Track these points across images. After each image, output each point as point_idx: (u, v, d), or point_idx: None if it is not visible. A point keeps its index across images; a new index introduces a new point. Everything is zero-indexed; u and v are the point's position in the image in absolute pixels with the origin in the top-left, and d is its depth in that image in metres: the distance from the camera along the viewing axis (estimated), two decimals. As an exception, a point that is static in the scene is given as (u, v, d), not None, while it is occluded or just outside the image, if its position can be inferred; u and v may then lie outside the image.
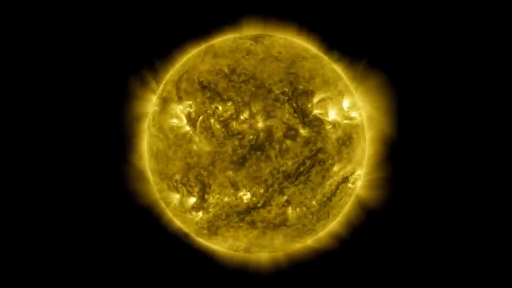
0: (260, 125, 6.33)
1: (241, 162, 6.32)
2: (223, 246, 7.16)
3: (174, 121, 6.56)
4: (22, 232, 7.36)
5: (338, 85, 6.88)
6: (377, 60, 7.01)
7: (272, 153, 6.32)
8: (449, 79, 6.95)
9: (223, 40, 7.17)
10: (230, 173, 6.35)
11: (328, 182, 6.70)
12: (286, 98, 6.41)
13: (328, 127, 6.56)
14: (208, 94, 6.47)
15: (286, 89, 6.44)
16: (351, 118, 6.86)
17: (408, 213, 7.29)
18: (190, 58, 7.07)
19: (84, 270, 7.48)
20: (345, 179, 6.90)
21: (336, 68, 7.15)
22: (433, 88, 6.99)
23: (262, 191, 6.43)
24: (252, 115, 6.33)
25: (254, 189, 6.41)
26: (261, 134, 6.30)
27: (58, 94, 7.43)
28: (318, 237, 7.38)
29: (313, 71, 6.76)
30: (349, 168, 6.87)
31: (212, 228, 6.85)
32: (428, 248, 7.32)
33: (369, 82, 7.05)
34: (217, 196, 6.50)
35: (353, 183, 7.06)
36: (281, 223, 6.75)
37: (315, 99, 6.57)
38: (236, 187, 6.41)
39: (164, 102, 6.78)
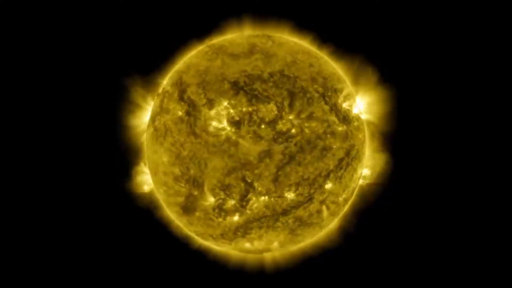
0: (303, 124, 6.32)
1: (288, 162, 6.25)
2: (241, 248, 6.99)
3: (213, 123, 6.22)
4: (23, 234, 7.26)
5: (348, 82, 7.16)
6: (375, 57, 7.23)
7: (317, 151, 6.36)
8: (446, 75, 7.29)
9: (227, 40, 7.01)
10: (278, 173, 6.23)
11: (354, 178, 6.94)
12: (321, 96, 6.51)
13: (355, 123, 6.81)
14: (244, 95, 6.27)
15: (318, 87, 6.53)
16: (365, 113, 7.17)
17: (405, 210, 7.47)
18: (200, 61, 6.76)
19: (90, 273, 7.37)
20: (360, 175, 7.20)
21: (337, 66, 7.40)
22: (430, 84, 7.31)
23: (306, 189, 6.43)
24: (296, 115, 6.29)
25: (300, 188, 6.37)
26: (306, 133, 6.30)
27: (60, 96, 7.19)
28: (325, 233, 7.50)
29: (329, 69, 6.95)
30: (364, 164, 7.19)
31: (241, 230, 6.64)
32: (426, 245, 7.48)
33: (366, 78, 7.31)
34: (261, 197, 6.32)
35: (363, 179, 7.39)
36: (313, 221, 6.80)
37: (341, 96, 6.76)
38: (282, 187, 6.31)
39: (191, 105, 6.39)
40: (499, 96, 7.22)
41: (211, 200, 6.44)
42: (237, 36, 7.05)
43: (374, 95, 7.18)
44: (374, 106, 7.20)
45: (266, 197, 6.34)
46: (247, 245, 6.87)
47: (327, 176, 6.49)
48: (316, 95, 6.46)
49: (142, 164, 7.26)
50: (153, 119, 6.81)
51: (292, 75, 6.45)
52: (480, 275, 7.34)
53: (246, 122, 6.17)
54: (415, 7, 7.11)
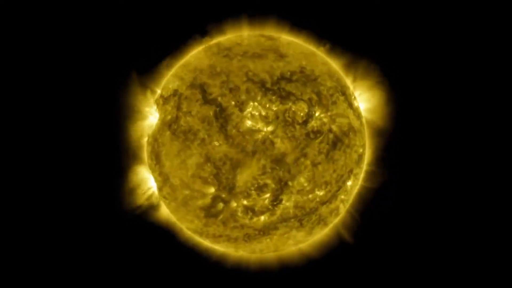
0: (331, 121, 6.46)
1: (322, 161, 6.36)
2: (253, 250, 6.96)
3: (247, 124, 6.16)
4: (20, 236, 7.12)
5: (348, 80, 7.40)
6: (373, 56, 7.23)
7: (344, 148, 6.55)
8: (445, 74, 7.34)
9: (230, 40, 6.97)
10: (313, 172, 6.32)
11: (360, 176, 7.23)
12: (340, 93, 6.71)
13: (363, 119, 7.11)
14: (273, 94, 6.30)
15: (336, 84, 6.70)
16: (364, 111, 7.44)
17: (404, 209, 7.49)
18: (213, 62, 6.63)
19: (89, 277, 7.28)
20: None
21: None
22: (429, 83, 7.36)
23: (335, 188, 6.58)
24: (324, 112, 6.44)
25: (329, 186, 6.51)
26: (334, 130, 6.47)
27: (57, 97, 7.00)
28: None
29: (334, 67, 7.13)
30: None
31: (265, 231, 6.62)
32: (426, 243, 7.48)
33: (363, 76, 7.27)
34: (294, 197, 6.36)
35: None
36: (331, 220, 6.97)
37: (352, 93, 7.02)
38: (314, 186, 6.40)
39: (219, 107, 6.27)
40: (498, 94, 7.33)
41: (242, 201, 6.34)
42: (238, 36, 7.02)
43: (371, 92, 7.33)
44: (371, 104, 7.42)
45: (299, 196, 6.38)
46: (264, 245, 6.84)
47: (350, 172, 6.71)
48: (336, 93, 6.64)
49: (142, 167, 6.99)
50: (168, 123, 6.54)
51: (312, 73, 6.55)
52: (480, 273, 7.40)
53: (279, 121, 6.19)
54: (415, 7, 7.28)
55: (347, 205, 7.04)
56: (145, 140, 7.01)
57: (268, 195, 6.26)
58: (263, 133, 6.12)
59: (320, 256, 7.54)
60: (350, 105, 6.72)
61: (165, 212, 7.12)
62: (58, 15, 6.86)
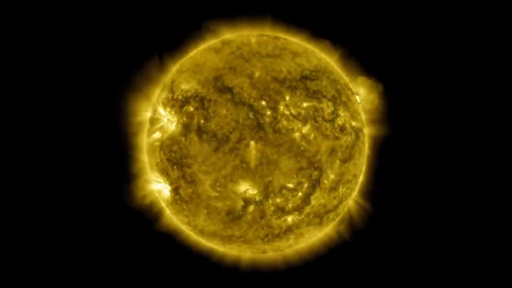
0: (352, 118, 6.65)
1: (349, 158, 6.64)
2: (264, 250, 7.02)
3: (281, 123, 6.26)
4: (18, 236, 7.07)
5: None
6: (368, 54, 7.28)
7: (361, 145, 6.90)
8: (441, 75, 7.41)
9: (237, 41, 7.01)
10: (342, 169, 6.58)
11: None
12: (350, 90, 6.88)
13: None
14: (300, 93, 6.42)
15: (345, 82, 6.88)
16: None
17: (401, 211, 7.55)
18: (231, 64, 6.57)
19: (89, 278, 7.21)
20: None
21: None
22: (426, 83, 7.45)
23: (353, 184, 6.91)
24: (345, 110, 6.74)
25: (349, 184, 6.82)
26: (355, 127, 6.80)
27: (59, 98, 6.91)
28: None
29: (335, 65, 7.46)
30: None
31: (287, 232, 6.76)
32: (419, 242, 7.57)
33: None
34: (323, 194, 6.58)
35: None
36: (341, 217, 7.30)
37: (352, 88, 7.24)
38: (340, 183, 6.67)
39: (251, 108, 6.31)
40: (496, 94, 7.41)
41: (275, 200, 6.38)
42: (241, 36, 6.97)
43: (365, 90, 7.30)
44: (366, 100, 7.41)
45: (326, 195, 6.56)
46: (279, 244, 6.94)
47: (363, 168, 7.11)
48: (348, 90, 6.88)
49: (146, 171, 6.77)
50: (194, 125, 6.35)
51: (326, 71, 6.67)
52: (480, 272, 7.47)
53: (311, 120, 6.38)
54: (414, 6, 7.38)
55: (353, 201, 7.37)
56: (154, 143, 6.74)
57: (300, 194, 6.37)
58: (297, 132, 6.25)
59: (320, 255, 7.62)
60: (357, 101, 7.09)
61: (170, 214, 6.91)
62: (58, 15, 6.66)
